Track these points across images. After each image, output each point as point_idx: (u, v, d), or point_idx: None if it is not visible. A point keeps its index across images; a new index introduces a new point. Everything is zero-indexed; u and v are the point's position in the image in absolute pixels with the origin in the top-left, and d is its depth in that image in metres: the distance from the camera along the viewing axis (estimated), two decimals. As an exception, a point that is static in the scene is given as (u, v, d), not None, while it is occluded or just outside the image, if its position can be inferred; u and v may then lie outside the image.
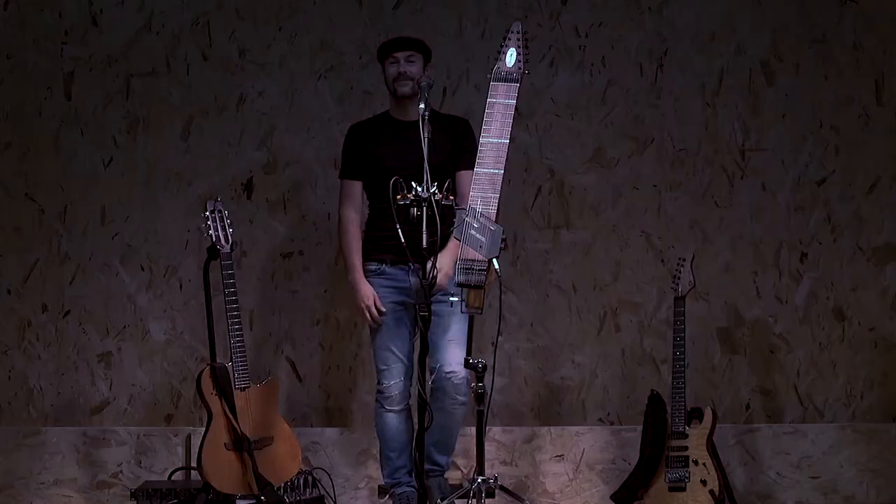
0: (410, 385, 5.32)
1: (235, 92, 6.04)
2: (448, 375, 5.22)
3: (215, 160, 6.05)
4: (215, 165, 6.05)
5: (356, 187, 5.39)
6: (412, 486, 5.34)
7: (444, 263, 4.95)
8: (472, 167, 4.75)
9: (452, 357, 5.22)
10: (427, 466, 5.34)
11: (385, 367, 5.32)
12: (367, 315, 5.28)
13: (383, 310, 5.27)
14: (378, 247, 5.29)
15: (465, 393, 5.28)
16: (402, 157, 5.08)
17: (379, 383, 5.35)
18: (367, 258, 5.35)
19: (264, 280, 6.04)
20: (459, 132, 5.34)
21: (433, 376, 5.23)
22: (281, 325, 6.04)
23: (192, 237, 6.01)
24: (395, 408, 5.32)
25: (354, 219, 5.39)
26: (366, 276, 5.32)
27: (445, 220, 4.68)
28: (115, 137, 6.05)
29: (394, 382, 5.31)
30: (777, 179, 6.04)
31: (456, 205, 4.86)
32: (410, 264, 4.98)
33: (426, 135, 4.66)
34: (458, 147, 5.28)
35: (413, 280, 5.14)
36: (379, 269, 5.31)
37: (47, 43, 6.04)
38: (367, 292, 5.28)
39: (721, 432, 5.64)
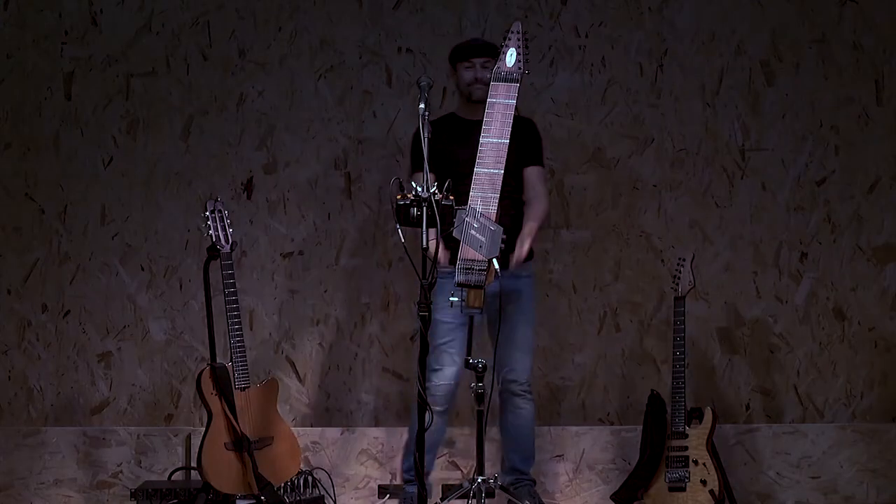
0: (457, 387, 5.37)
1: (235, 92, 6.04)
2: (511, 378, 5.28)
3: (215, 160, 6.05)
4: (215, 165, 6.05)
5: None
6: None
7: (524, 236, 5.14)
8: (537, 163, 5.38)
9: (518, 364, 5.29)
10: (512, 478, 5.40)
11: (439, 368, 5.31)
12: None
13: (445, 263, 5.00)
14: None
15: (525, 392, 5.37)
16: (474, 154, 5.00)
17: (427, 380, 5.31)
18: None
19: (264, 280, 6.04)
20: (523, 131, 5.33)
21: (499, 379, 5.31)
22: (281, 325, 6.04)
23: (192, 237, 6.01)
24: (437, 408, 5.27)
25: None
26: (442, 278, 4.94)
27: (446, 220, 4.65)
28: (115, 137, 6.05)
29: (443, 384, 5.31)
30: (777, 179, 6.04)
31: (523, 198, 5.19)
32: None
33: (426, 135, 4.65)
34: (523, 145, 5.28)
35: (493, 286, 4.85)
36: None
37: (47, 43, 6.04)
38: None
39: (721, 432, 5.64)
